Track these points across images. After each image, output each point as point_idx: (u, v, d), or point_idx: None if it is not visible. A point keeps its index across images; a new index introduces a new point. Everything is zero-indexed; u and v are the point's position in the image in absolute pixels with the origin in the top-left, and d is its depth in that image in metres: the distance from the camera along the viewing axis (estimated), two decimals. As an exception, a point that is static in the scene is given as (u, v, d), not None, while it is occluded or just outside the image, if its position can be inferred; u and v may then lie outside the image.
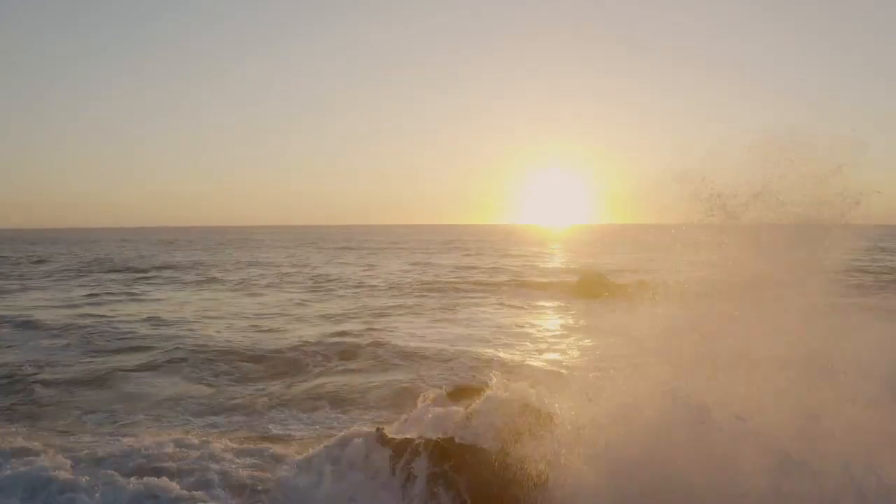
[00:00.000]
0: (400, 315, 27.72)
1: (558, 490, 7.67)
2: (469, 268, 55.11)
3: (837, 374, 9.14)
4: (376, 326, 23.99)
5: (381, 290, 38.11)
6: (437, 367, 16.87)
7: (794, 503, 6.75)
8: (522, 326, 24.89)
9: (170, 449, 9.95)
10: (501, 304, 31.80)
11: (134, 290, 38.03)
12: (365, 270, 53.72)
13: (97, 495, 8.41)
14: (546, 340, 21.86)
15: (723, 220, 10.20)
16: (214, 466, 9.25)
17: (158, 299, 33.93)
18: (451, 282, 42.31)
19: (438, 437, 8.43)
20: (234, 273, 50.73)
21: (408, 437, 8.74)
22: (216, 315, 27.66)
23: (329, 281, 43.83)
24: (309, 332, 22.43)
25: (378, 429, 8.95)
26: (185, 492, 8.51)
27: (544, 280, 42.69)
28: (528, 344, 20.90)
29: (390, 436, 8.77)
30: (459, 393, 10.66)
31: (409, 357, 18.08)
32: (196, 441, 10.49)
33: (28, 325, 24.54)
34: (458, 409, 9.55)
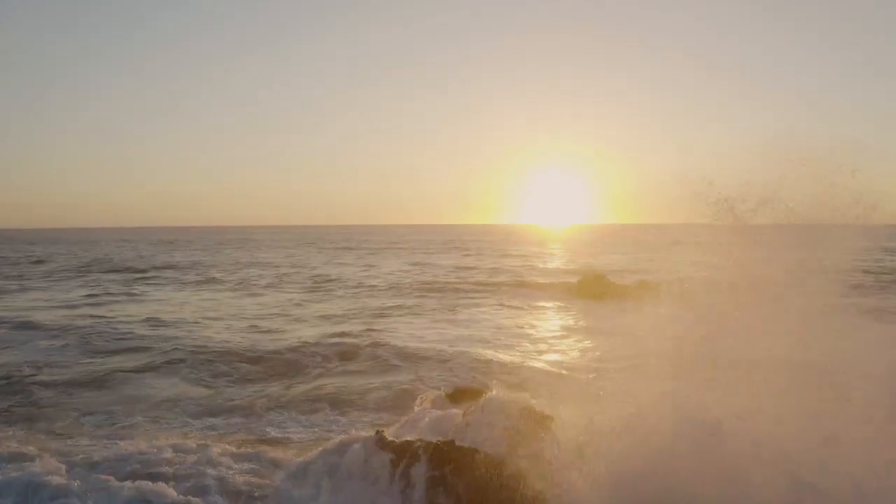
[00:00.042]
0: (400, 316, 27.67)
1: (556, 501, 7.59)
2: (469, 268, 55.06)
3: (835, 374, 9.12)
4: (376, 327, 23.94)
5: (380, 290, 38.06)
6: (436, 369, 16.82)
7: None
8: (522, 327, 24.85)
9: (166, 453, 9.85)
10: (501, 304, 31.74)
11: (133, 291, 37.98)
12: (364, 270, 53.67)
13: (90, 501, 8.32)
14: (546, 341, 21.82)
15: (730, 222, 10.16)
16: (211, 471, 9.15)
17: (157, 300, 33.88)
18: (451, 282, 42.26)
19: (438, 440, 8.37)
20: (233, 273, 50.68)
21: (407, 439, 8.67)
22: (215, 316, 27.60)
23: (328, 281, 43.79)
24: (308, 333, 22.38)
25: (377, 431, 8.88)
26: (180, 497, 8.42)
27: (544, 280, 42.64)
28: (528, 345, 20.85)
29: (390, 438, 8.70)
30: (459, 395, 10.61)
31: (409, 358, 18.02)
32: (193, 444, 10.40)
33: (27, 325, 24.48)
34: (457, 412, 9.49)
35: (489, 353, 18.70)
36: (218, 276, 48.20)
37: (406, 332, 22.79)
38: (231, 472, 9.28)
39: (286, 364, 17.71)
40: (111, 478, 8.66)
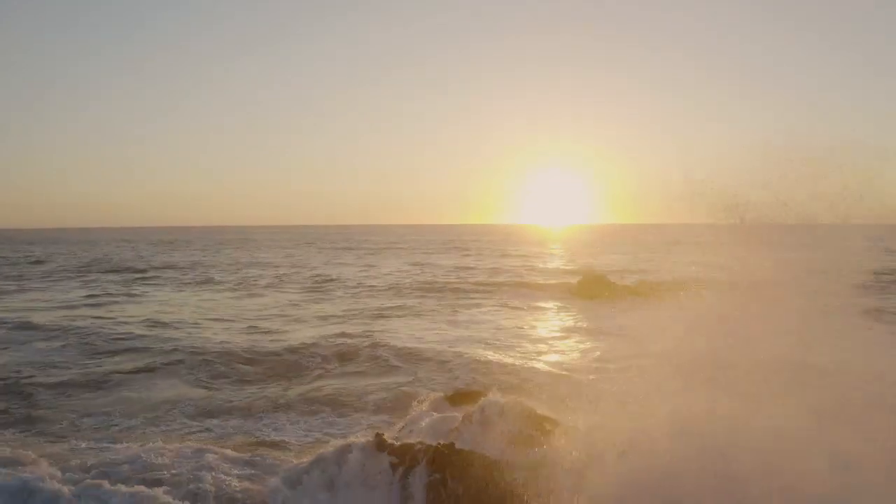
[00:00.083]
0: (399, 316, 27.62)
1: None
2: (469, 268, 55.02)
3: (835, 375, 9.07)
4: (375, 328, 23.89)
5: (380, 290, 38.01)
6: (436, 370, 16.77)
7: None
8: (522, 328, 24.80)
9: (163, 457, 9.76)
10: (501, 305, 31.69)
11: (133, 291, 37.94)
12: (364, 271, 53.63)
13: (82, 506, 8.24)
14: (546, 342, 21.77)
15: (731, 222, 10.11)
16: (207, 477, 9.07)
17: (157, 300, 33.84)
18: (451, 282, 42.22)
19: (438, 443, 8.30)
20: (232, 274, 50.65)
21: (407, 442, 8.61)
22: (214, 316, 27.56)
23: (328, 281, 43.75)
24: (308, 334, 22.33)
25: (377, 434, 8.82)
26: (175, 502, 8.34)
27: (544, 281, 42.60)
28: (528, 346, 20.80)
29: (389, 441, 8.64)
30: (459, 397, 10.55)
31: (409, 359, 17.97)
32: (190, 449, 10.30)
33: (26, 326, 24.43)
34: (457, 415, 9.44)
35: (489, 354, 18.64)
36: (217, 276, 48.17)
37: (406, 333, 22.74)
38: (227, 477, 9.20)
39: (285, 365, 17.66)
40: (105, 482, 8.57)
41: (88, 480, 8.64)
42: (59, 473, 8.91)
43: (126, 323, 25.14)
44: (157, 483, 8.87)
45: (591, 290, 35.06)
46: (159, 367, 17.33)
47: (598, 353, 19.20)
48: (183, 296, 36.25)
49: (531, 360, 18.24)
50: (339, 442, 9.03)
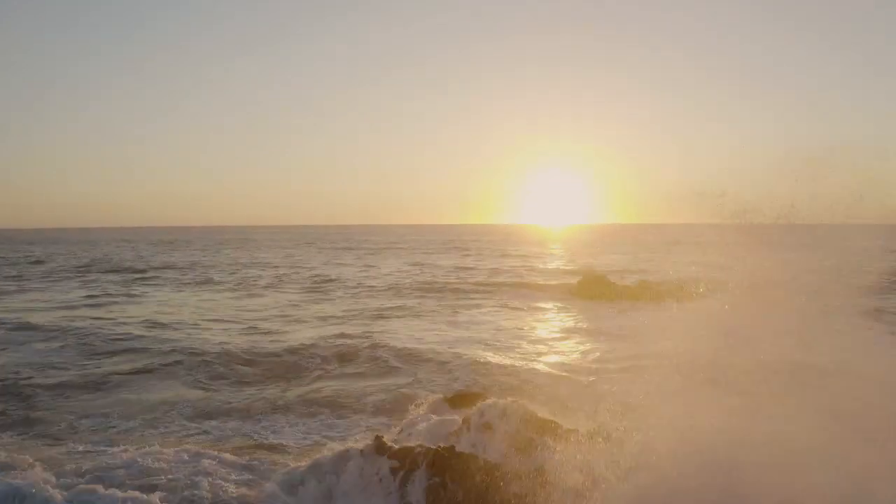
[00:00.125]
0: (399, 317, 27.56)
1: None
2: (469, 268, 54.98)
3: (835, 376, 9.02)
4: (375, 328, 23.84)
5: (380, 291, 37.96)
6: (436, 371, 16.71)
7: None
8: (523, 328, 24.74)
9: (159, 461, 9.67)
10: (501, 305, 31.63)
11: (132, 292, 37.88)
12: (364, 271, 53.59)
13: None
14: (546, 343, 21.71)
15: (732, 222, 10.07)
16: (204, 482, 8.97)
17: (156, 301, 33.78)
18: (451, 282, 42.18)
19: (438, 447, 8.23)
20: (232, 274, 50.61)
21: (407, 445, 8.54)
22: (214, 317, 27.51)
23: (328, 282, 43.70)
24: (307, 335, 22.27)
25: (376, 437, 8.76)
26: (169, 509, 8.27)
27: (544, 281, 42.56)
28: (528, 347, 20.74)
29: (389, 444, 8.57)
30: (459, 399, 10.49)
31: (409, 360, 17.91)
32: (187, 454, 10.18)
33: (25, 326, 24.38)
34: (457, 417, 9.37)
35: (489, 355, 18.59)
36: (217, 276, 48.13)
37: (406, 334, 22.69)
38: (224, 483, 9.10)
39: (284, 366, 17.61)
40: (99, 487, 8.48)
41: (82, 485, 8.55)
42: (53, 479, 8.83)
43: (125, 324, 25.09)
44: (153, 488, 8.78)
45: (591, 290, 35.01)
46: (158, 369, 17.27)
47: (598, 353, 19.16)
48: (182, 296, 36.20)
49: (531, 361, 18.18)
50: (338, 447, 8.95)
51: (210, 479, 9.09)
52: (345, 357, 18.52)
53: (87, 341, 21.30)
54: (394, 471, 8.07)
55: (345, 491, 8.13)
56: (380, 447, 8.40)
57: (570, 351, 20.07)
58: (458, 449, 8.14)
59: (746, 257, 10.46)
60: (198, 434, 12.05)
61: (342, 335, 21.90)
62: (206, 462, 9.66)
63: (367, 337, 21.36)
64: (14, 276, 48.53)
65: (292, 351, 19.13)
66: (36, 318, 26.37)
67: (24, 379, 16.26)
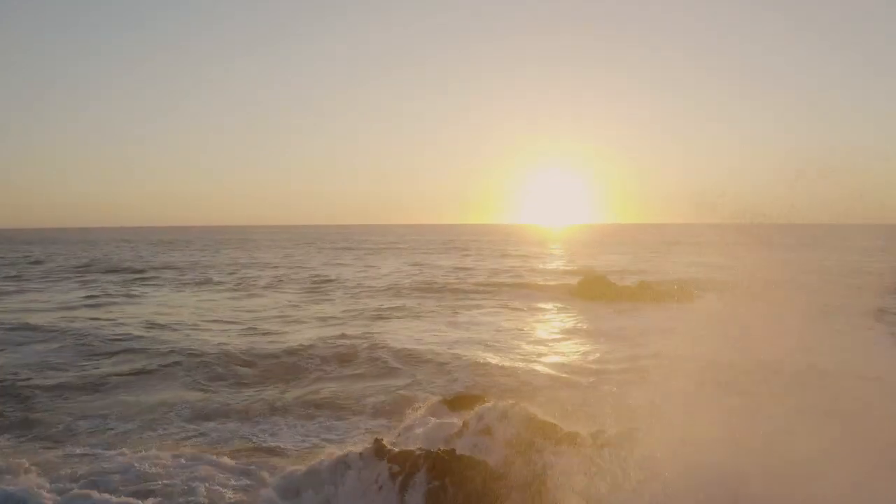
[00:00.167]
0: (399, 318, 27.50)
1: None
2: (469, 269, 54.92)
3: (835, 377, 8.97)
4: (375, 329, 23.77)
5: (379, 291, 37.90)
6: (436, 372, 16.64)
7: None
8: (523, 329, 24.68)
9: (156, 466, 9.58)
10: (501, 306, 31.56)
11: (132, 292, 37.82)
12: (364, 271, 53.53)
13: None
14: (547, 344, 21.64)
15: (738, 222, 10.03)
16: (201, 488, 8.86)
17: (156, 301, 33.71)
18: (451, 283, 42.12)
19: (438, 450, 8.16)
20: (231, 274, 50.54)
21: (407, 448, 8.47)
22: (213, 318, 27.44)
23: (328, 282, 43.64)
24: (306, 336, 22.20)
25: (376, 440, 8.68)
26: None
27: (545, 282, 42.50)
28: (528, 348, 20.67)
29: (388, 447, 8.50)
30: (459, 402, 10.42)
31: (408, 361, 17.84)
32: (184, 457, 10.10)
33: (24, 327, 24.30)
34: (457, 420, 9.30)
35: (489, 357, 18.53)
36: (216, 277, 48.07)
37: (405, 335, 22.62)
38: (222, 488, 8.99)
39: (284, 367, 17.54)
40: (93, 492, 8.38)
41: (76, 491, 8.47)
42: (47, 484, 8.74)
43: (124, 324, 25.02)
44: (149, 494, 8.69)
45: (591, 290, 34.96)
46: (157, 370, 17.21)
47: (598, 354, 19.11)
48: (181, 297, 36.14)
49: (531, 362, 18.12)
50: (337, 451, 8.85)
51: (207, 484, 8.99)
52: (344, 358, 18.44)
53: (85, 342, 21.24)
54: (393, 475, 7.99)
55: (344, 497, 8.05)
56: (379, 450, 8.32)
57: (571, 352, 20.01)
58: (458, 452, 8.07)
59: (746, 257, 10.42)
60: (196, 436, 11.97)
61: (341, 336, 21.84)
62: (202, 466, 9.57)
63: (366, 338, 21.29)
64: (13, 277, 48.46)
65: (291, 352, 19.06)
66: (35, 319, 26.31)
67: (23, 380, 16.20)
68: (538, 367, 17.27)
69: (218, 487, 8.97)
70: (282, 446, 11.39)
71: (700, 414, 9.23)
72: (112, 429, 12.56)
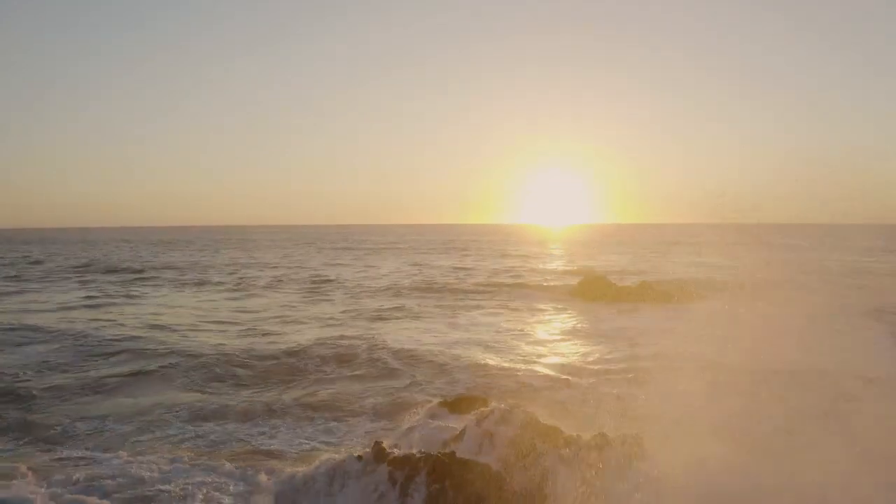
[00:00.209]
0: (398, 318, 27.44)
1: None
2: (469, 269, 54.86)
3: (831, 376, 8.94)
4: (374, 330, 23.71)
5: (379, 291, 37.84)
6: (436, 374, 16.57)
7: None
8: (523, 330, 24.61)
9: (152, 470, 9.48)
10: (501, 306, 31.49)
11: (131, 292, 37.76)
12: (364, 272, 53.47)
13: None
14: (547, 345, 21.58)
15: (738, 222, 10.00)
16: (198, 494, 8.73)
17: (155, 302, 33.65)
18: (451, 283, 42.07)
19: (439, 453, 8.10)
20: (231, 274, 50.48)
21: (407, 452, 8.41)
22: (212, 318, 27.38)
23: (327, 282, 43.58)
24: (305, 336, 22.15)
25: (375, 443, 8.62)
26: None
27: (545, 282, 42.44)
28: (528, 348, 20.61)
29: (388, 450, 8.44)
30: (459, 403, 10.36)
31: (408, 362, 17.78)
32: (181, 461, 9.96)
33: (23, 328, 24.23)
34: (458, 422, 9.25)
35: (489, 357, 18.48)
36: (216, 277, 48.01)
37: (405, 336, 22.56)
38: (219, 494, 8.86)
39: (283, 368, 17.47)
40: (87, 498, 8.30)
41: (69, 496, 8.40)
42: (41, 489, 8.67)
43: (123, 325, 24.96)
44: (145, 500, 8.61)
45: (591, 291, 34.91)
46: (155, 371, 17.14)
47: (598, 355, 19.05)
48: (181, 297, 36.08)
49: (531, 363, 18.06)
50: (335, 457, 8.77)
51: (204, 490, 8.89)
52: (343, 359, 18.38)
53: (84, 343, 21.19)
54: (393, 478, 7.94)
55: (344, 501, 7.99)
56: (379, 454, 8.26)
57: (571, 353, 19.95)
58: (458, 455, 8.01)
59: (746, 257, 10.38)
60: (194, 438, 11.89)
61: (341, 337, 21.78)
62: (199, 471, 9.47)
63: (365, 339, 21.23)
64: (13, 277, 48.41)
65: (290, 353, 19.00)
66: (34, 320, 26.25)
67: (22, 381, 16.16)
68: (538, 368, 17.21)
69: (215, 493, 8.88)
70: (280, 449, 11.29)
71: (701, 415, 9.19)
72: (110, 431, 12.49)
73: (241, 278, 46.82)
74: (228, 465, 9.96)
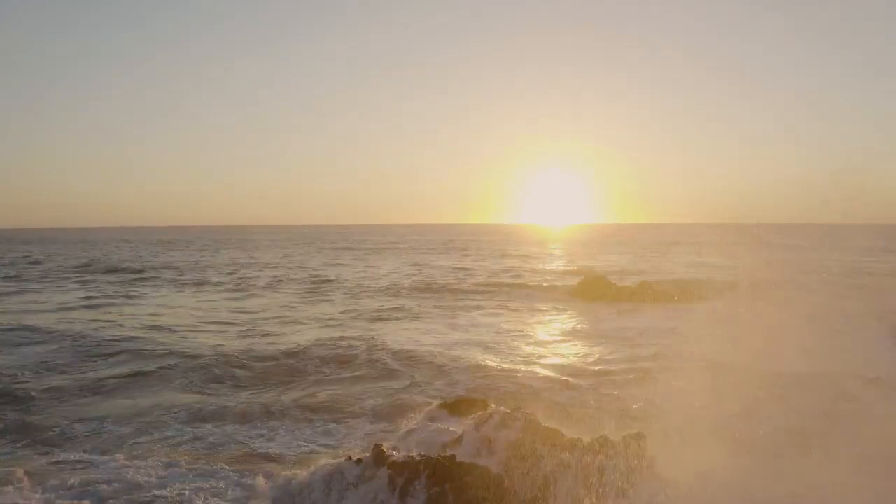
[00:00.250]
0: (398, 319, 27.39)
1: None
2: (469, 269, 54.82)
3: (830, 375, 8.91)
4: (374, 331, 23.65)
5: (379, 292, 37.79)
6: (435, 375, 16.51)
7: None
8: (523, 330, 24.55)
9: (149, 475, 9.37)
10: (501, 307, 31.44)
11: (130, 293, 37.72)
12: (364, 272, 53.43)
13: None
14: (547, 345, 21.52)
15: (739, 222, 9.98)
16: (195, 500, 8.56)
17: (154, 302, 33.60)
18: (451, 283, 42.02)
19: (439, 456, 8.03)
20: (231, 274, 50.43)
21: (407, 455, 8.34)
22: (211, 319, 27.34)
23: (327, 282, 43.54)
24: (305, 337, 22.10)
25: (375, 446, 8.56)
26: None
27: (545, 282, 42.40)
28: (529, 349, 20.56)
29: (388, 453, 8.38)
30: (459, 406, 10.29)
31: (408, 363, 17.72)
32: (177, 466, 9.84)
33: (22, 329, 24.18)
34: (458, 424, 9.19)
35: (489, 359, 18.43)
36: (215, 277, 47.96)
37: (405, 336, 22.51)
38: (216, 500, 8.71)
39: (282, 369, 17.41)
40: (82, 504, 8.24)
41: (63, 503, 8.33)
42: (35, 495, 8.58)
43: (122, 326, 24.92)
44: (138, 506, 8.54)
45: (591, 291, 34.88)
46: (154, 372, 17.09)
47: (599, 356, 19.00)
48: (180, 297, 36.04)
49: (532, 364, 18.00)
50: (333, 462, 8.68)
51: (200, 496, 8.78)
52: (343, 360, 18.32)
53: (83, 344, 21.14)
54: (393, 481, 7.88)
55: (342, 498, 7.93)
56: (379, 457, 8.19)
57: (571, 353, 19.90)
58: (458, 458, 7.95)
59: (746, 257, 10.37)
60: (192, 440, 11.80)
61: (340, 337, 21.74)
62: (196, 476, 9.36)
63: (365, 339, 21.18)
64: (12, 277, 48.38)
65: (289, 354, 18.94)
66: (33, 320, 26.21)
67: (20, 382, 16.11)
68: (538, 370, 17.16)
69: (212, 499, 8.77)
70: (279, 452, 11.19)
71: (702, 416, 9.16)
72: (108, 432, 12.41)
73: (240, 278, 46.78)
74: (226, 470, 9.87)
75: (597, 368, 17.20)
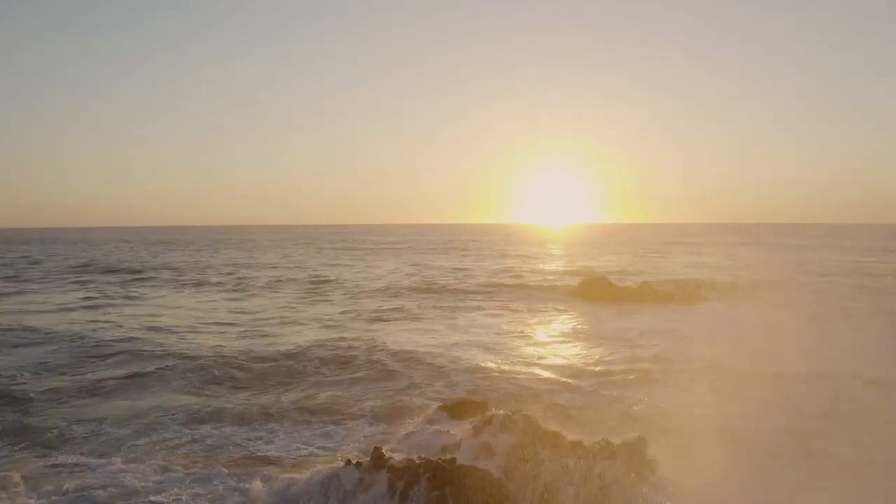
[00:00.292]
0: (398, 320, 27.34)
1: None
2: (469, 269, 54.77)
3: (830, 376, 8.88)
4: (373, 331, 23.61)
5: (379, 292, 37.74)
6: (435, 376, 16.45)
7: None
8: (523, 331, 24.50)
9: (146, 480, 9.27)
10: (501, 307, 31.39)
11: (130, 293, 37.68)
12: (363, 272, 53.38)
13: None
14: (547, 346, 21.47)
15: (738, 222, 9.92)
16: None
17: (153, 303, 33.56)
18: (451, 283, 41.97)
19: (439, 459, 7.98)
20: (230, 275, 50.39)
21: (407, 458, 8.29)
22: (211, 320, 27.29)
23: (327, 283, 43.50)
24: (304, 338, 22.06)
25: (375, 449, 8.50)
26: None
27: (545, 282, 42.35)
28: (529, 350, 20.50)
29: (388, 456, 8.33)
30: (459, 407, 10.24)
31: (407, 365, 17.66)
32: (174, 471, 9.75)
33: (21, 329, 24.14)
34: (458, 427, 9.14)
35: (489, 360, 18.39)
36: (215, 277, 47.91)
37: (405, 337, 22.46)
38: (213, 505, 8.64)
39: (281, 370, 17.36)
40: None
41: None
42: (30, 501, 8.51)
43: (121, 326, 24.87)
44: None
45: (592, 291, 34.85)
46: (153, 373, 17.03)
47: (599, 357, 18.95)
48: (180, 298, 36.00)
49: (532, 365, 17.95)
50: (331, 467, 8.61)
51: (197, 502, 8.66)
52: (342, 361, 18.27)
53: (82, 345, 21.10)
54: (393, 486, 7.82)
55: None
56: (378, 460, 8.14)
57: (572, 354, 19.85)
58: (458, 461, 7.90)
59: (746, 257, 10.31)
60: (190, 443, 11.73)
61: (340, 339, 21.69)
62: (193, 481, 9.27)
63: (364, 340, 21.14)
64: (12, 277, 48.34)
65: (289, 355, 18.90)
66: (32, 321, 26.17)
67: (19, 383, 16.06)
68: (539, 371, 17.11)
69: (208, 504, 8.69)
70: (277, 454, 11.11)
71: (703, 416, 9.12)
72: (106, 434, 12.33)
73: (240, 279, 46.73)
74: (223, 474, 9.79)
75: (597, 369, 17.15)
